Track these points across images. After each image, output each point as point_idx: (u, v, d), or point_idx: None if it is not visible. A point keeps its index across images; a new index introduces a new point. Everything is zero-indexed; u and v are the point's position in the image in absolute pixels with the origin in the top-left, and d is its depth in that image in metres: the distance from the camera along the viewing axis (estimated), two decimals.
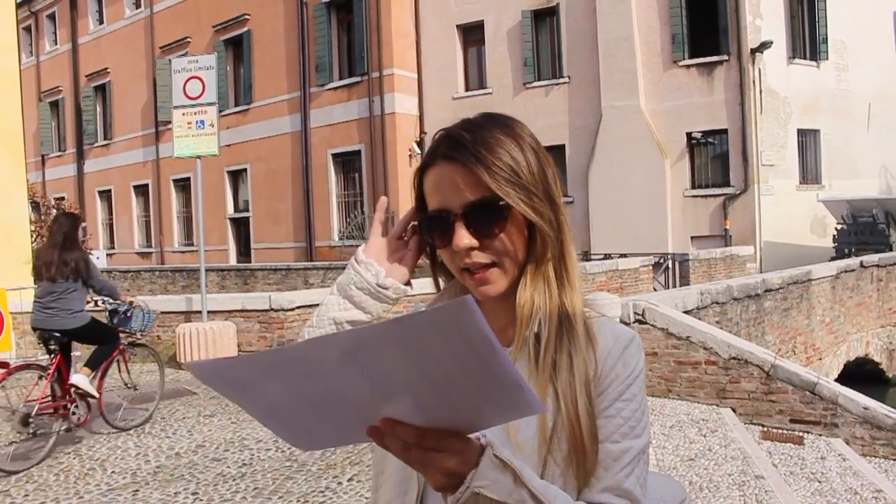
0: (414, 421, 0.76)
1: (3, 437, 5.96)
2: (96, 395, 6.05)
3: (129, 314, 6.51)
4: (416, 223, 1.13)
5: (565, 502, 0.90)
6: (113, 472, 5.23)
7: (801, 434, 6.69)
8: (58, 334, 5.90)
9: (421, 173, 1.10)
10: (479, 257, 1.03)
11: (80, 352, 6.38)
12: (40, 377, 5.72)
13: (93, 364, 6.16)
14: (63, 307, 5.99)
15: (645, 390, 1.06)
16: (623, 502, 0.99)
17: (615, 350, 1.04)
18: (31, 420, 5.47)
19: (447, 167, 1.04)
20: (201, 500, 4.61)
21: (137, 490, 4.81)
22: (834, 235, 17.19)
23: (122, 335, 6.48)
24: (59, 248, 6.06)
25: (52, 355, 5.84)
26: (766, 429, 6.87)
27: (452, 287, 1.17)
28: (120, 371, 6.66)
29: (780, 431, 6.79)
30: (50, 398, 5.75)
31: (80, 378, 5.92)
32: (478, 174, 1.00)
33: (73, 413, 5.85)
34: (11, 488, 4.94)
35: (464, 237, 1.02)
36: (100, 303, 6.48)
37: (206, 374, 0.75)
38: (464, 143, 1.03)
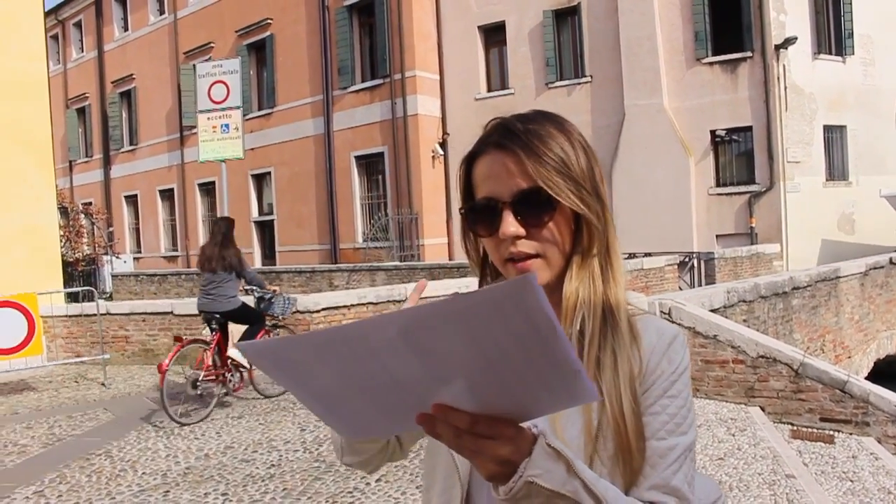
0: (466, 407, 0.75)
1: (179, 397, 7.12)
2: (247, 366, 7.42)
3: (272, 301, 7.75)
4: (461, 211, 1.11)
5: (616, 495, 0.89)
6: (144, 473, 5.29)
7: (831, 433, 6.62)
8: (217, 315, 7.28)
9: (469, 161, 1.10)
10: (525, 246, 1.03)
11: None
12: (204, 350, 7.16)
13: (249, 334, 7.58)
14: (221, 294, 7.30)
15: (690, 387, 1.06)
16: (671, 500, 0.98)
17: (659, 347, 1.03)
18: (198, 383, 6.93)
19: (498, 155, 1.04)
20: (231, 500, 4.65)
21: (168, 491, 4.86)
22: None
23: (267, 318, 7.80)
24: (219, 246, 7.41)
25: (213, 332, 7.27)
26: (795, 428, 6.80)
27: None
28: None
29: (810, 430, 6.72)
30: (212, 367, 7.10)
31: (235, 352, 7.31)
32: (530, 163, 1.01)
33: (230, 381, 7.35)
34: (45, 489, 5.01)
35: (511, 224, 1.02)
36: (249, 291, 7.74)
37: (255, 354, 0.74)
38: (516, 133, 1.03)
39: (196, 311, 9.82)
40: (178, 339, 7.20)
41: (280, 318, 7.99)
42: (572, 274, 1.05)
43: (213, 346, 7.12)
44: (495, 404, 0.75)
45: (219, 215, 10.69)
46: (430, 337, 0.68)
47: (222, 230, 7.61)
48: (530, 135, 1.03)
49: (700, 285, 14.49)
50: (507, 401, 0.75)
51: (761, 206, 16.99)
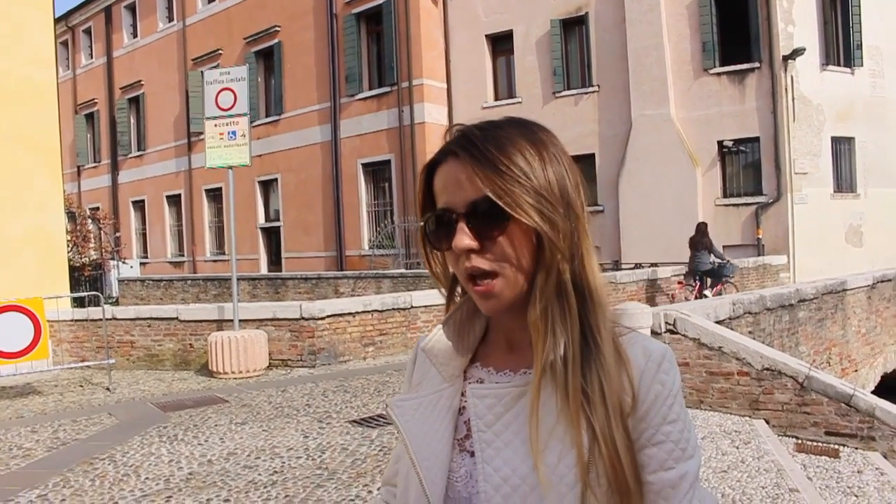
0: None
1: None
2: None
3: (726, 266, 14.16)
4: (421, 224, 1.05)
5: None
6: (147, 478, 5.28)
7: (836, 447, 6.58)
8: (699, 273, 14.23)
9: (430, 171, 1.04)
10: (480, 262, 0.96)
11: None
12: (690, 291, 14.10)
13: (711, 286, 14.21)
14: (700, 260, 14.19)
15: (685, 405, 0.99)
16: None
17: (649, 369, 0.96)
18: None
19: (454, 164, 0.98)
20: None
21: (171, 496, 4.85)
22: None
23: (724, 277, 14.23)
24: (703, 235, 14.32)
25: (696, 281, 14.26)
26: (800, 441, 6.76)
27: (465, 304, 1.10)
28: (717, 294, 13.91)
29: (814, 444, 6.69)
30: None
31: (709, 293, 13.72)
32: (483, 171, 0.94)
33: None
34: (49, 493, 5.01)
35: (464, 238, 0.95)
36: (714, 260, 14.19)
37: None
38: (473, 140, 0.97)
39: (200, 318, 10.14)
40: (679, 283, 14.74)
41: (730, 276, 14.23)
42: (536, 295, 0.96)
43: (696, 290, 14.02)
44: None
45: (228, 222, 10.87)
46: None
47: (703, 230, 14.46)
48: (488, 141, 0.97)
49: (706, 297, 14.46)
50: None
51: (768, 218, 16.96)
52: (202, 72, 11.20)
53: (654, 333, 7.27)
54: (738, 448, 6.03)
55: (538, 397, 0.95)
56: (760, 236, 17.02)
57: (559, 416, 0.94)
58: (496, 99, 21.48)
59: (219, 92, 10.25)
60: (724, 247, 17.56)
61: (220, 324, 10.30)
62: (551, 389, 0.95)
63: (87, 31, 33.65)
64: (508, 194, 0.93)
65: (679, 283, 14.93)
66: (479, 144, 0.96)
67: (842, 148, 17.71)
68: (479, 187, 0.95)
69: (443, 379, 1.08)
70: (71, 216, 22.68)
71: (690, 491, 0.95)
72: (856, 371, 10.74)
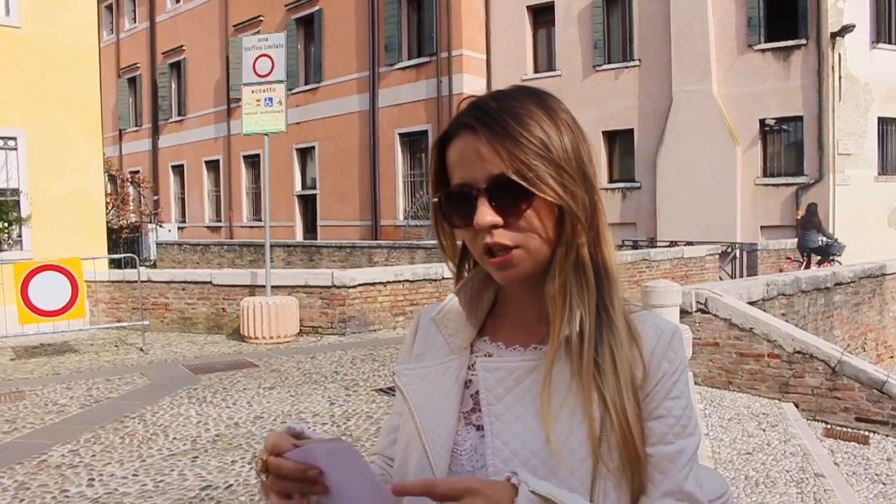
0: None
1: None
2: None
3: (832, 245, 14.73)
4: (434, 200, 1.02)
5: None
6: (174, 438, 5.40)
7: (866, 433, 6.49)
8: (807, 250, 14.86)
9: (442, 144, 1.01)
10: (503, 237, 0.94)
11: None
12: (798, 267, 14.55)
13: (818, 263, 14.47)
14: (809, 238, 14.76)
15: (690, 386, 1.01)
16: None
17: (660, 346, 0.97)
18: None
19: (471, 138, 0.95)
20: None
21: (197, 457, 4.96)
22: None
23: (831, 255, 14.70)
24: (813, 215, 14.84)
25: (805, 257, 14.99)
26: (829, 426, 6.68)
27: (476, 275, 1.08)
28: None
29: (844, 429, 6.60)
30: None
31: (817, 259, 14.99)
32: (504, 145, 0.92)
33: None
34: (80, 448, 5.15)
35: (486, 214, 0.93)
36: (822, 239, 14.86)
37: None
38: (490, 112, 0.95)
39: (233, 283, 10.30)
40: (788, 259, 15.50)
41: (837, 254, 14.67)
42: (556, 270, 0.96)
43: (804, 264, 14.65)
44: None
45: (264, 187, 11.01)
46: None
47: (813, 210, 14.90)
48: (505, 113, 0.94)
49: (741, 276, 14.29)
50: None
51: (809, 199, 16.60)
52: (241, 38, 11.22)
53: (685, 312, 7.21)
54: (764, 431, 5.98)
55: (550, 371, 0.95)
56: (800, 217, 16.71)
57: (571, 390, 0.94)
58: (536, 71, 21.24)
59: (256, 58, 10.28)
60: (761, 227, 17.35)
61: (253, 289, 10.42)
62: (564, 363, 0.95)
63: None
64: (531, 169, 0.92)
65: (787, 258, 15.70)
66: (496, 117, 0.94)
67: (889, 129, 17.25)
68: (500, 162, 0.93)
69: (450, 350, 1.07)
70: (111, 179, 23.01)
71: (687, 467, 0.95)
72: (892, 357, 10.55)
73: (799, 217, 15.70)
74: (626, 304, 1.01)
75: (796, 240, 15.53)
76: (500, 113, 0.94)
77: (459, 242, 1.07)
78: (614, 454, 0.91)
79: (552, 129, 0.95)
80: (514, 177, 0.92)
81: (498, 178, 0.93)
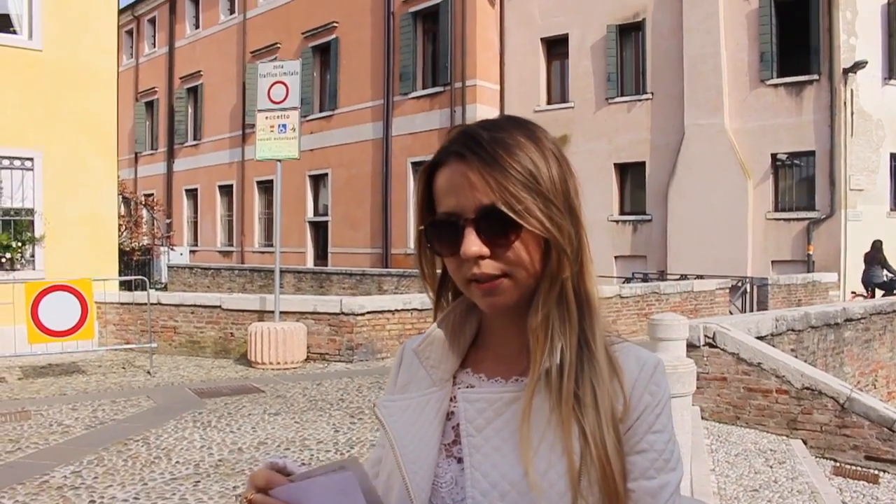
0: None
1: None
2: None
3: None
4: (420, 227, 1.02)
5: None
6: (177, 462, 5.39)
7: (876, 472, 6.41)
8: (871, 286, 15.12)
9: (430, 172, 1.01)
10: (489, 267, 0.94)
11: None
12: (864, 300, 13.50)
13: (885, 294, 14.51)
14: (874, 274, 15.07)
15: (672, 420, 0.98)
16: None
17: (642, 379, 0.96)
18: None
19: (460, 166, 0.95)
20: None
21: (199, 481, 4.95)
22: None
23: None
24: (878, 251, 15.12)
25: (868, 291, 15.04)
26: (838, 464, 6.60)
27: (459, 306, 1.07)
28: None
29: (853, 468, 6.52)
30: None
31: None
32: (494, 176, 0.92)
33: None
34: (83, 469, 5.15)
35: (473, 244, 0.92)
36: (887, 275, 15.04)
37: None
38: (481, 142, 0.94)
39: (242, 308, 10.33)
40: (853, 294, 15.60)
41: None
42: (539, 302, 0.95)
43: (868, 296, 14.71)
44: None
45: (276, 213, 11.05)
46: None
47: (878, 247, 15.12)
48: (495, 144, 0.94)
49: (752, 311, 14.20)
50: None
51: (820, 234, 16.58)
52: (258, 64, 11.36)
53: (693, 346, 7.16)
54: (771, 467, 5.92)
55: (530, 403, 0.94)
56: (811, 252, 16.63)
57: (551, 423, 0.93)
58: (549, 103, 21.35)
59: (271, 85, 10.40)
60: (772, 261, 17.26)
61: (262, 314, 10.44)
62: (544, 396, 0.94)
63: (152, 21, 34.39)
64: (520, 201, 0.92)
65: (852, 293, 15.83)
66: (486, 147, 0.94)
67: None
68: (489, 193, 0.93)
69: (432, 382, 1.06)
70: (125, 201, 23.20)
71: (669, 501, 0.94)
72: None
73: (867, 254, 15.75)
74: (608, 335, 1.00)
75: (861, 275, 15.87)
76: (490, 143, 0.94)
77: (439, 270, 1.07)
78: (594, 488, 0.90)
79: (541, 160, 0.95)
80: (503, 208, 0.92)
81: (487, 209, 0.93)
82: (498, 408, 0.99)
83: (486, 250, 0.93)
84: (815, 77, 16.66)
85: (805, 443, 6.78)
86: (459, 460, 0.99)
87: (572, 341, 0.95)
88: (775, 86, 17.23)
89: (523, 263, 0.94)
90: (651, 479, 0.93)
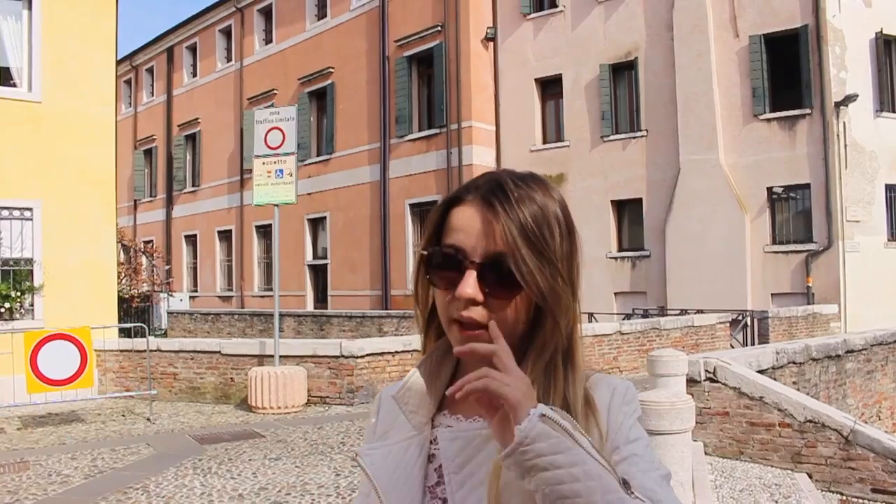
0: None
1: None
2: None
3: None
4: (423, 252, 1.03)
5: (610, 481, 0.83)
6: None
7: None
8: None
9: (448, 205, 1.03)
10: (477, 314, 0.95)
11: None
12: None
13: None
14: None
15: (646, 435, 1.01)
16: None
17: (615, 401, 1.00)
18: None
19: (482, 209, 0.97)
20: None
21: None
22: None
23: None
24: None
25: None
26: (844, 497, 6.54)
27: (436, 350, 1.10)
28: None
29: (860, 501, 6.46)
30: None
31: None
32: (511, 230, 0.94)
33: None
34: None
35: (469, 286, 0.94)
36: None
37: None
38: (510, 196, 0.96)
39: (242, 353, 10.27)
40: None
41: None
42: (527, 368, 0.96)
43: None
44: None
45: (275, 257, 11.07)
46: None
47: None
48: (522, 201, 0.96)
49: (752, 344, 14.17)
50: None
51: (819, 266, 16.59)
52: (254, 111, 11.49)
53: (693, 381, 7.15)
54: (777, 502, 5.86)
55: (498, 478, 0.91)
56: (810, 284, 16.63)
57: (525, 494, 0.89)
58: (544, 142, 21.49)
59: (268, 131, 10.51)
60: (772, 294, 17.25)
61: (262, 359, 10.41)
62: None
63: (150, 71, 34.79)
64: (527, 263, 0.94)
65: None
66: (513, 200, 0.96)
67: None
68: (502, 244, 0.95)
69: (412, 427, 1.07)
70: (124, 249, 23.26)
71: (668, 489, 0.94)
72: None
73: None
74: (586, 380, 1.02)
75: None
76: (518, 199, 0.97)
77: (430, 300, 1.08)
78: None
79: (557, 229, 0.98)
80: (510, 264, 0.94)
81: (495, 259, 0.95)
82: (478, 444, 1.00)
83: (480, 296, 0.95)
84: (808, 111, 16.82)
85: (810, 476, 6.72)
86: (444, 501, 1.00)
87: (556, 404, 0.96)
88: (768, 120, 17.39)
89: (509, 320, 0.97)
90: (646, 472, 0.95)
